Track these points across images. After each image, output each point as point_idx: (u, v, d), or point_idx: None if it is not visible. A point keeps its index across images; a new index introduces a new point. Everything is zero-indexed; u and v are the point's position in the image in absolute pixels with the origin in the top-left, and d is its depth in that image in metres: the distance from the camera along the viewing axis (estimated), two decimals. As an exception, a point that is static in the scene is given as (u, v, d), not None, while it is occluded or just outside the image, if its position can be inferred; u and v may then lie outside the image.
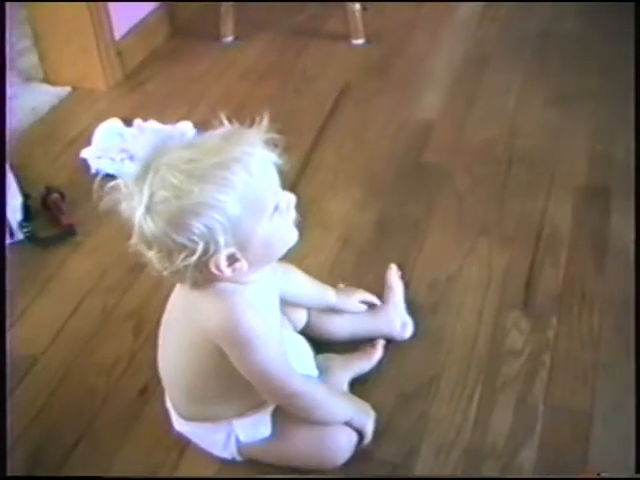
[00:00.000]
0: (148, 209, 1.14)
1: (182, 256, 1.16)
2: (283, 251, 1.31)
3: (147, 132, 2.29)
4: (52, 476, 1.45)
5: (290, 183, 2.08)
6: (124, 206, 1.17)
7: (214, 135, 1.20)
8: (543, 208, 1.99)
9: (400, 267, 1.80)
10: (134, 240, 1.19)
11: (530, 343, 1.66)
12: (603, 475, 1.37)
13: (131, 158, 2.22)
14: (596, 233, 1.90)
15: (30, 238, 2.00)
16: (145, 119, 2.35)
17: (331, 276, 1.83)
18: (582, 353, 1.63)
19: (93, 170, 2.21)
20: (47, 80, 2.60)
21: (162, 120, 2.38)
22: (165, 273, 1.21)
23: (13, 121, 2.41)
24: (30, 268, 1.94)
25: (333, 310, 1.65)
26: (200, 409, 1.42)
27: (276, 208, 1.22)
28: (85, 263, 1.94)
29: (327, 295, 1.64)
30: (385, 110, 2.42)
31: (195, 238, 1.14)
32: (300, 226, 1.93)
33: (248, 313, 1.26)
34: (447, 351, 1.66)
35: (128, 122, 2.35)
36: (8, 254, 1.97)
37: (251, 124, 1.22)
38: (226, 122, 1.22)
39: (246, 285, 1.27)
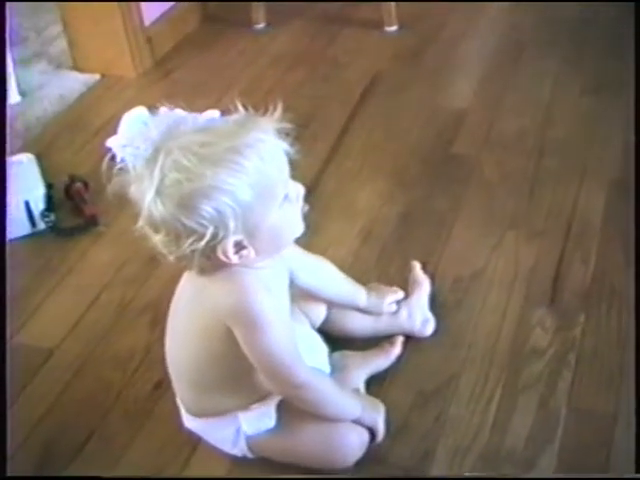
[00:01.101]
0: (158, 192, 1.12)
1: (190, 241, 1.14)
2: (290, 241, 1.30)
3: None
4: (52, 476, 1.43)
5: (316, 172, 2.09)
6: (133, 189, 1.16)
7: (227, 121, 1.20)
8: (574, 201, 1.93)
9: (424, 262, 1.76)
10: (141, 223, 1.17)
11: (555, 342, 1.60)
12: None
13: (156, 147, 2.20)
14: (628, 228, 1.82)
15: (52, 228, 1.99)
16: (172, 108, 2.32)
17: (352, 270, 1.78)
18: (608, 353, 1.57)
19: (118, 159, 2.19)
20: (76, 67, 2.59)
21: (190, 109, 2.33)
22: (171, 258, 1.19)
23: (41, 109, 2.41)
24: (50, 259, 1.93)
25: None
26: (205, 400, 1.40)
27: (286, 197, 1.21)
28: (105, 254, 1.92)
29: (358, 296, 1.60)
30: (416, 99, 2.36)
31: (205, 222, 1.12)
32: (323, 217, 1.92)
33: (261, 294, 1.24)
34: (468, 349, 1.61)
35: (155, 111, 2.32)
36: (29, 244, 1.97)
37: (265, 112, 1.20)
38: (241, 109, 1.21)
39: (257, 269, 1.25)
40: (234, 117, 1.19)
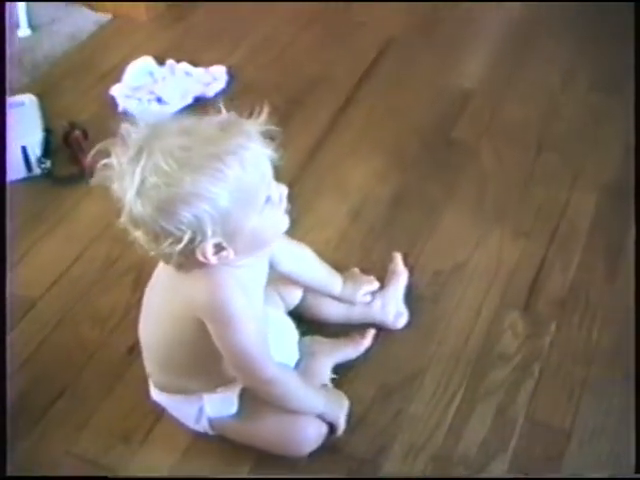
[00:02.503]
0: (139, 193, 1.14)
1: (168, 242, 1.16)
2: (273, 241, 1.33)
3: (177, 75, 2.26)
4: (52, 476, 1.47)
5: (315, 142, 2.10)
6: (116, 186, 1.17)
7: (212, 123, 1.19)
8: (565, 204, 1.92)
9: (406, 253, 1.77)
10: (123, 219, 1.19)
11: (523, 349, 1.63)
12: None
13: (158, 100, 2.21)
14: (613, 238, 1.83)
15: (47, 175, 2.01)
16: (179, 60, 2.32)
17: (336, 251, 1.82)
18: (573, 367, 1.59)
19: (120, 109, 2.20)
20: (89, 4, 2.57)
21: (198, 60, 2.35)
22: (151, 254, 1.22)
23: (49, 46, 2.41)
24: (42, 206, 1.96)
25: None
26: (171, 380, 1.44)
27: (268, 200, 1.22)
28: (96, 207, 1.93)
29: (333, 284, 1.62)
30: (425, 73, 2.34)
31: (183, 227, 1.14)
32: (315, 193, 1.93)
33: (236, 293, 1.26)
34: (437, 346, 1.64)
35: (161, 61, 2.32)
36: (24, 188, 1.99)
37: (250, 115, 1.21)
38: (224, 110, 1.21)
39: (236, 268, 1.27)
40: (219, 119, 1.19)
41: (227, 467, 1.47)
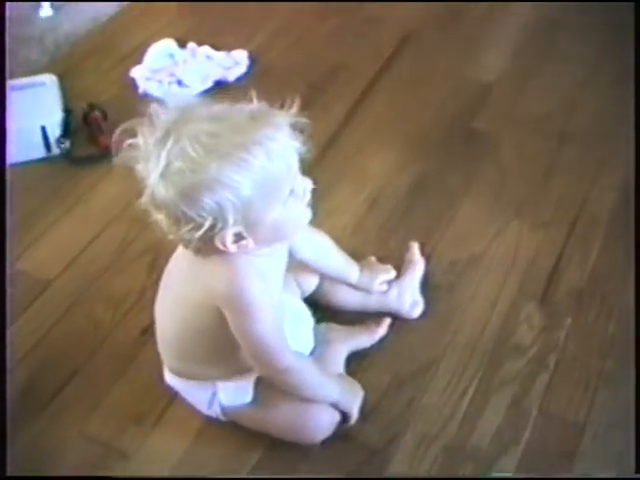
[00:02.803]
0: (163, 176, 1.13)
1: (189, 227, 1.16)
2: (294, 233, 1.32)
3: (198, 58, 2.26)
4: (53, 476, 1.46)
5: (334, 130, 2.08)
6: (140, 166, 1.16)
7: (242, 111, 1.18)
8: (585, 196, 1.90)
9: (423, 242, 1.76)
10: (144, 200, 1.18)
11: (538, 341, 1.61)
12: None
13: (179, 83, 2.20)
14: (632, 231, 1.79)
15: (66, 155, 2.00)
16: (200, 43, 2.31)
17: (352, 238, 1.81)
18: (589, 360, 1.58)
19: (140, 90, 2.20)
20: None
21: (219, 44, 2.34)
22: (170, 237, 1.21)
23: (71, 27, 2.41)
24: (60, 186, 1.96)
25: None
26: (186, 366, 1.43)
27: (291, 192, 1.21)
28: (114, 188, 1.92)
29: (350, 273, 1.62)
30: (445, 65, 2.32)
31: (204, 214, 1.14)
32: (334, 179, 1.92)
33: (256, 282, 1.26)
34: (453, 335, 1.63)
35: (182, 43, 2.31)
36: (42, 168, 2.00)
37: (282, 105, 1.19)
38: (255, 100, 1.20)
39: (255, 257, 1.26)
40: (250, 108, 1.18)
41: (239, 452, 1.47)
